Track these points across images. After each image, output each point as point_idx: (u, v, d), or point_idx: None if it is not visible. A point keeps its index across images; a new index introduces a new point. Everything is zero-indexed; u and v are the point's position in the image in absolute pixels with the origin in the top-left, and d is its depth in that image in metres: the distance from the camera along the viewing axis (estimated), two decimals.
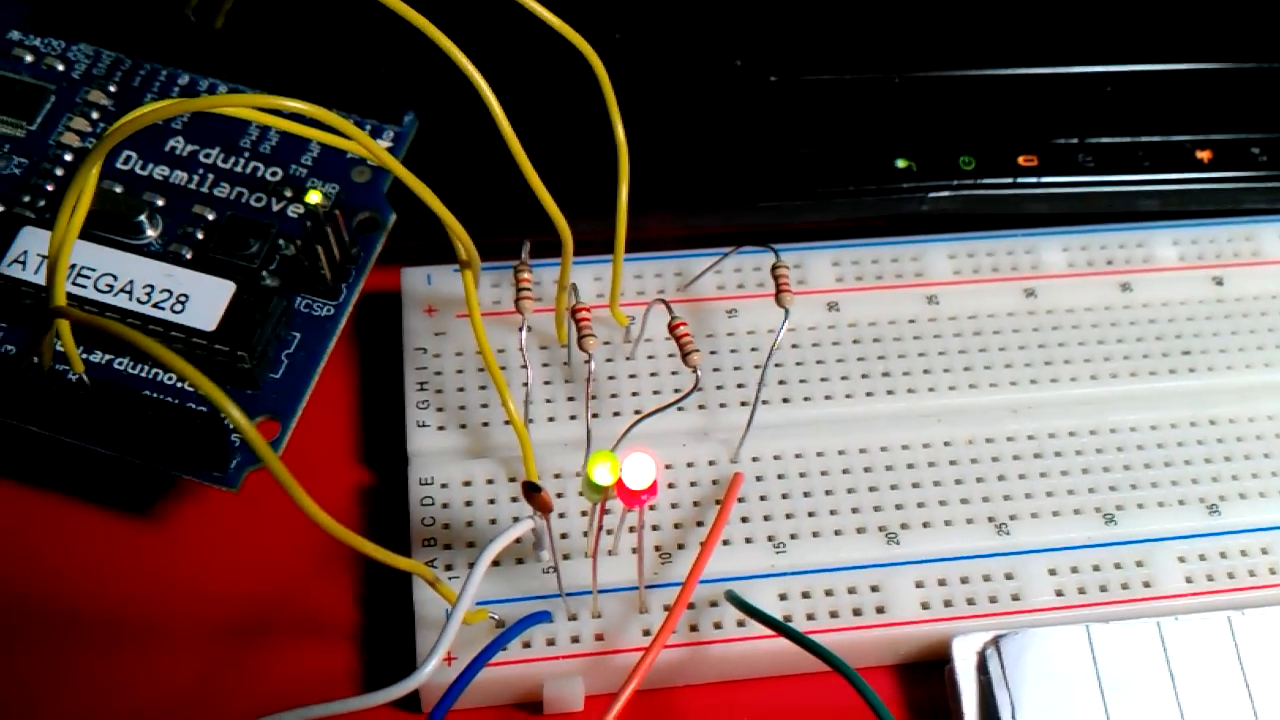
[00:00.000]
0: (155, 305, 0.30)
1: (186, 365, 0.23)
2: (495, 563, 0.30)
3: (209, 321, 0.30)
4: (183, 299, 0.31)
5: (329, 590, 0.32)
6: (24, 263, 0.31)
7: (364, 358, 0.35)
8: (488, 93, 0.29)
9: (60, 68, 0.34)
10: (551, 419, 0.33)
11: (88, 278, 0.31)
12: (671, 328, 0.31)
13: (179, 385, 0.31)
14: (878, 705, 0.29)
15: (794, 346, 0.34)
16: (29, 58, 0.34)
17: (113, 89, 0.34)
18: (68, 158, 0.33)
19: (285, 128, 0.30)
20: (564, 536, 0.32)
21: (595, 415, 0.33)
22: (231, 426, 0.30)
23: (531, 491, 0.28)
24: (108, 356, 0.31)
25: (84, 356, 0.31)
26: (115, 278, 0.31)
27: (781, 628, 0.30)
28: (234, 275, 0.31)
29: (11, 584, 0.32)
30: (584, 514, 0.32)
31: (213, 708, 0.31)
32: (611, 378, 0.34)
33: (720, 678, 0.31)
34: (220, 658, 0.31)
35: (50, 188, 0.33)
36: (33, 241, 0.31)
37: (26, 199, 0.33)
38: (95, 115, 0.34)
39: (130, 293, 0.31)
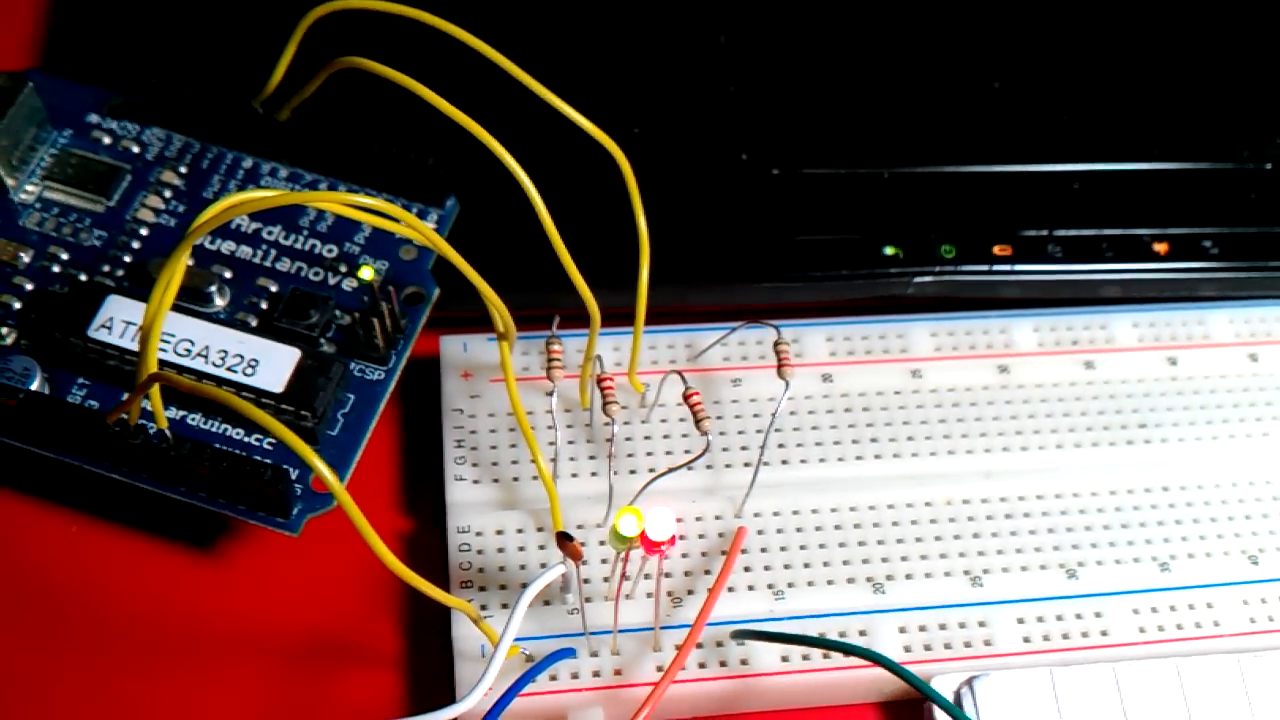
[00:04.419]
0: (229, 369, 0.33)
1: (286, 430, 0.25)
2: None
3: (277, 384, 0.32)
4: (253, 363, 0.33)
5: (373, 625, 0.34)
6: (110, 327, 0.33)
7: (407, 417, 0.37)
8: (525, 180, 0.31)
9: (135, 149, 0.37)
10: (575, 475, 0.35)
11: (168, 342, 0.33)
12: (686, 396, 0.33)
13: (244, 439, 0.33)
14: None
15: (792, 413, 0.36)
16: (107, 140, 0.37)
17: (183, 170, 0.36)
18: (143, 232, 0.35)
19: (346, 213, 0.32)
20: (586, 581, 0.33)
21: (615, 473, 0.34)
22: (294, 477, 0.32)
23: (565, 541, 0.30)
24: (182, 412, 0.33)
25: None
26: (193, 343, 0.33)
27: (838, 646, 0.32)
28: (297, 342, 0.33)
29: (83, 610, 0.34)
30: (604, 561, 0.34)
31: None
32: (629, 439, 0.35)
33: (726, 710, 0.33)
34: (272, 685, 0.33)
35: (128, 259, 0.35)
36: (117, 309, 0.33)
37: (106, 268, 0.35)
38: (168, 194, 0.36)
39: (206, 356, 0.33)
